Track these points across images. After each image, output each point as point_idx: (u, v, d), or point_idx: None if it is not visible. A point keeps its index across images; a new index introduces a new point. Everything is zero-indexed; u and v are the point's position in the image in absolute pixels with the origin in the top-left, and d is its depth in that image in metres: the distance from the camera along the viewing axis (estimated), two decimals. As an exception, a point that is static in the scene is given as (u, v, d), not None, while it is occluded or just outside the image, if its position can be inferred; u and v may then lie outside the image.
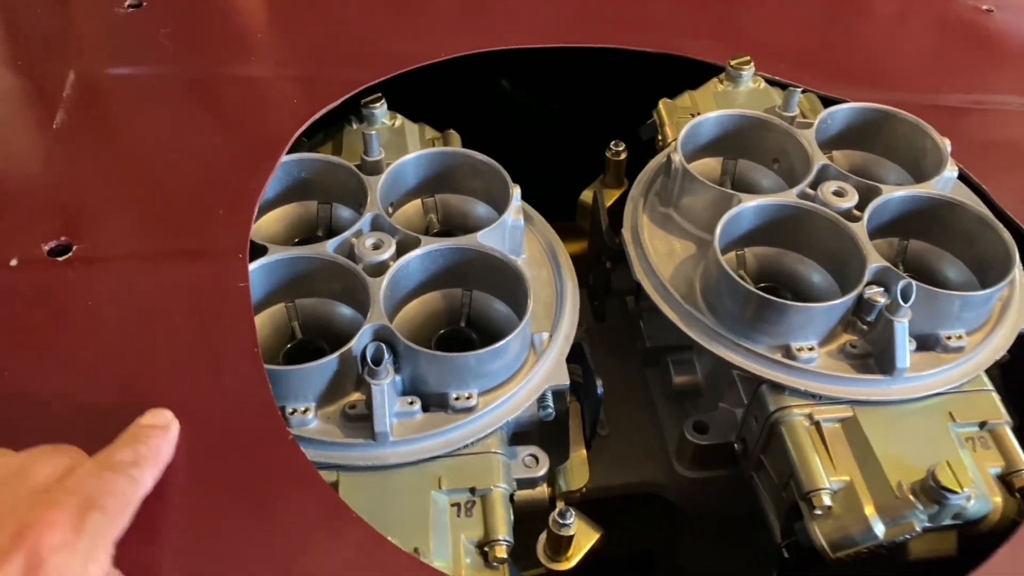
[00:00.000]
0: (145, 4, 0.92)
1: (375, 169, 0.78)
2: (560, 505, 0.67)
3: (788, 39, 1.01)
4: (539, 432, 0.75)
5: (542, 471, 0.70)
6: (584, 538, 0.70)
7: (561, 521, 0.66)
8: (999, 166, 0.85)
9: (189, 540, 0.54)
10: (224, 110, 0.83)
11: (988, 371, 0.72)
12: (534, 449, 0.71)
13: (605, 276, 0.86)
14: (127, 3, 0.92)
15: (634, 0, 1.05)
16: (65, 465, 0.49)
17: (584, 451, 0.78)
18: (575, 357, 0.76)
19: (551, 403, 0.71)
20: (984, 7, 1.13)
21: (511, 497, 0.67)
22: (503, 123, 1.04)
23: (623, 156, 0.92)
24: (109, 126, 0.79)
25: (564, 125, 1.11)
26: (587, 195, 0.96)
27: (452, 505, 0.63)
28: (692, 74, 0.96)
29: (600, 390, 0.74)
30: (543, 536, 0.69)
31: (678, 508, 0.83)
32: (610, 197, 0.92)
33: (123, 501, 0.49)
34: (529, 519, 0.69)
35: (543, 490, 0.71)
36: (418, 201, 0.82)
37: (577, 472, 0.76)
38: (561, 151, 1.07)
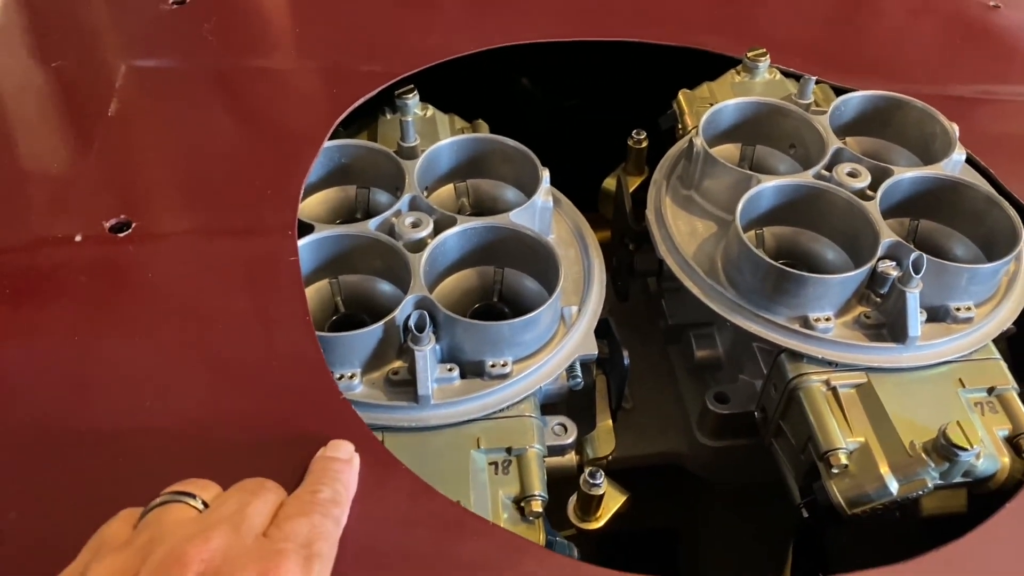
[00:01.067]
0: (188, 2, 0.97)
1: (411, 154, 0.82)
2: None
3: (802, 33, 1.06)
4: (568, 403, 0.79)
5: (571, 439, 0.74)
6: (612, 500, 0.74)
7: (592, 481, 0.70)
8: (1005, 152, 0.89)
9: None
10: (266, 100, 0.87)
11: (997, 343, 0.76)
12: (563, 419, 0.75)
13: (628, 258, 0.90)
14: (171, 1, 0.97)
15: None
16: (272, 503, 0.51)
17: (610, 421, 0.82)
18: (602, 332, 0.80)
19: (580, 373, 0.75)
20: (991, 3, 1.16)
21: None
22: (525, 116, 1.09)
23: (644, 144, 0.97)
24: (160, 114, 0.84)
25: (584, 118, 1.15)
26: (610, 182, 1.00)
27: (490, 464, 0.67)
28: (709, 67, 1.00)
29: (627, 361, 0.77)
30: (573, 498, 0.73)
31: (699, 478, 0.87)
32: (632, 184, 0.96)
33: (333, 544, 0.51)
34: (558, 485, 0.73)
35: (572, 457, 0.75)
36: (451, 186, 0.87)
37: (603, 440, 0.80)
38: (582, 144, 1.11)
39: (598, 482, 0.70)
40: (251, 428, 0.60)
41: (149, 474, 0.55)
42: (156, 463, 0.58)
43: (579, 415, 0.78)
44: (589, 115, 1.16)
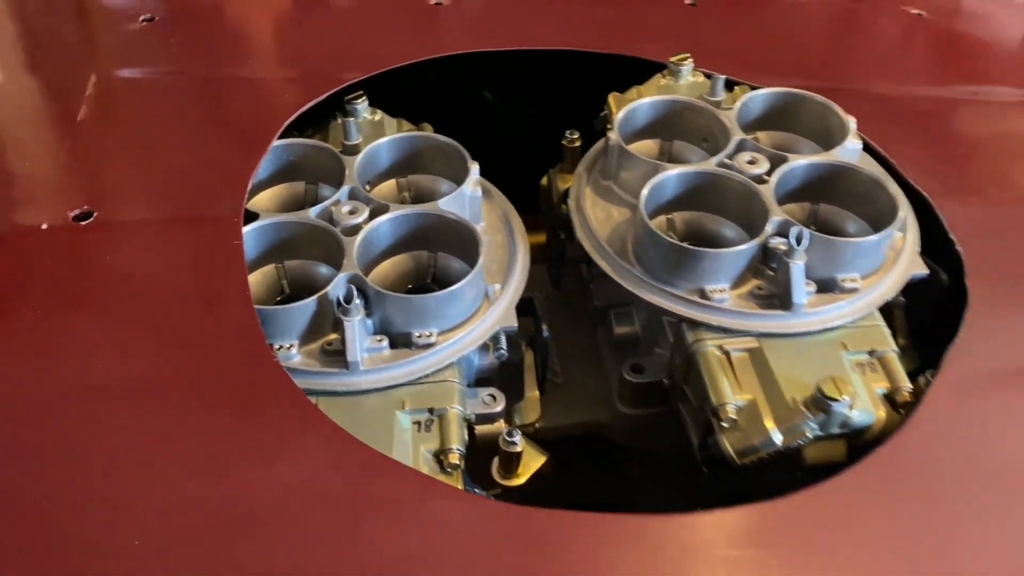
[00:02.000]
0: (157, 19, 1.06)
1: (353, 151, 0.90)
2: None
3: (727, 41, 1.13)
4: (500, 377, 0.86)
5: (499, 408, 0.81)
6: (532, 460, 0.80)
7: (509, 439, 0.77)
8: (905, 143, 0.96)
9: (196, 440, 0.65)
10: (223, 105, 0.96)
11: (891, 313, 0.83)
12: (492, 390, 0.82)
13: (560, 247, 0.98)
14: (141, 18, 1.06)
15: (589, 8, 1.17)
16: None
17: (537, 392, 0.89)
18: (528, 310, 0.87)
19: (504, 345, 0.83)
20: (915, 11, 1.25)
21: (470, 428, 0.78)
22: (474, 121, 1.16)
23: (578, 143, 1.04)
24: (124, 118, 0.92)
25: (529, 122, 1.23)
26: (545, 179, 1.07)
27: (414, 423, 0.74)
28: (640, 72, 1.08)
29: (546, 334, 0.85)
30: (496, 458, 0.80)
31: (622, 447, 0.94)
32: (566, 181, 1.04)
33: None
34: (489, 451, 0.80)
35: (500, 425, 0.82)
36: (392, 181, 0.94)
37: (530, 409, 0.88)
38: (528, 146, 1.18)
39: (515, 439, 0.76)
40: (194, 389, 0.68)
41: (103, 424, 0.62)
42: (111, 416, 0.65)
43: (509, 388, 0.85)
44: (535, 118, 1.23)
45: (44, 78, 0.96)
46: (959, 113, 1.03)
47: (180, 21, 1.05)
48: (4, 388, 0.66)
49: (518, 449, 0.77)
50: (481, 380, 0.85)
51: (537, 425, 0.88)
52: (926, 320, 0.86)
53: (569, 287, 1.02)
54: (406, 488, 0.64)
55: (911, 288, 0.85)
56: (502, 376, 0.86)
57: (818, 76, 1.04)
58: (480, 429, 0.80)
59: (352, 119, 0.93)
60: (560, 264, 0.99)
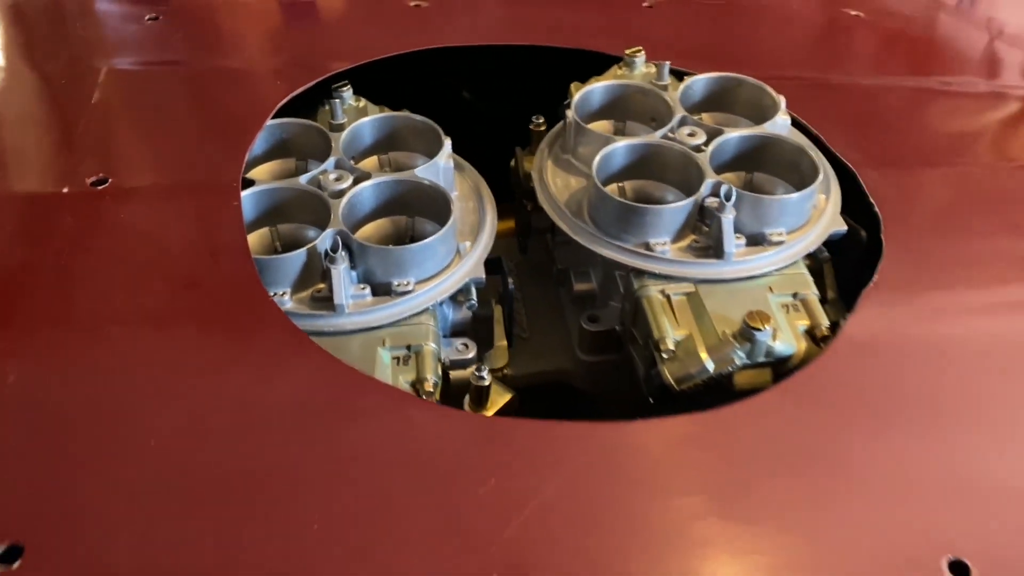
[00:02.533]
0: (162, 17, 1.17)
1: (339, 130, 1.01)
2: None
3: (678, 37, 1.25)
4: (472, 329, 0.96)
5: (471, 355, 0.91)
6: (499, 396, 0.90)
7: (478, 374, 0.87)
8: (834, 122, 1.08)
9: (200, 361, 0.75)
10: (223, 90, 1.07)
11: (824, 271, 0.94)
12: (465, 339, 0.92)
13: (527, 217, 1.09)
14: (147, 17, 1.17)
15: (555, 9, 1.29)
16: None
17: (505, 342, 0.99)
18: (496, 270, 0.98)
19: (474, 296, 0.93)
20: (853, 13, 1.37)
21: (445, 372, 0.88)
22: (449, 110, 1.27)
23: (543, 127, 1.15)
24: (134, 102, 1.03)
25: (500, 110, 1.34)
26: (514, 160, 1.18)
27: (393, 358, 0.84)
28: (600, 65, 1.19)
29: (511, 287, 0.95)
30: (467, 394, 0.90)
31: (582, 392, 1.04)
32: (532, 160, 1.15)
33: None
34: (462, 394, 0.90)
35: (472, 370, 0.93)
36: (375, 158, 1.05)
37: (499, 356, 0.98)
38: (498, 132, 1.29)
39: (483, 375, 0.86)
40: (199, 321, 0.78)
41: (120, 353, 0.73)
42: (127, 341, 0.75)
43: (480, 338, 0.96)
44: (502, 108, 1.34)
45: (62, 67, 1.07)
46: (882, 98, 1.15)
47: (183, 18, 1.16)
48: (33, 316, 0.77)
49: (486, 383, 0.87)
50: (455, 333, 0.95)
51: (505, 371, 0.98)
52: (851, 276, 0.98)
53: (535, 254, 1.13)
54: (386, 400, 0.74)
55: (837, 246, 0.96)
56: (475, 330, 0.97)
57: (757, 67, 1.15)
58: (454, 374, 0.90)
59: (338, 101, 1.04)
60: (527, 233, 1.10)
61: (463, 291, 0.92)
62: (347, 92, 1.10)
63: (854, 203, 0.98)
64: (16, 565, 0.61)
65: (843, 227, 0.94)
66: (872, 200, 0.97)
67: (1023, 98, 1.17)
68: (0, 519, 0.63)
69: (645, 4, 1.34)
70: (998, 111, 1.15)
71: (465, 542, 0.65)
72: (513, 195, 1.15)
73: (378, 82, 1.14)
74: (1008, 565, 0.66)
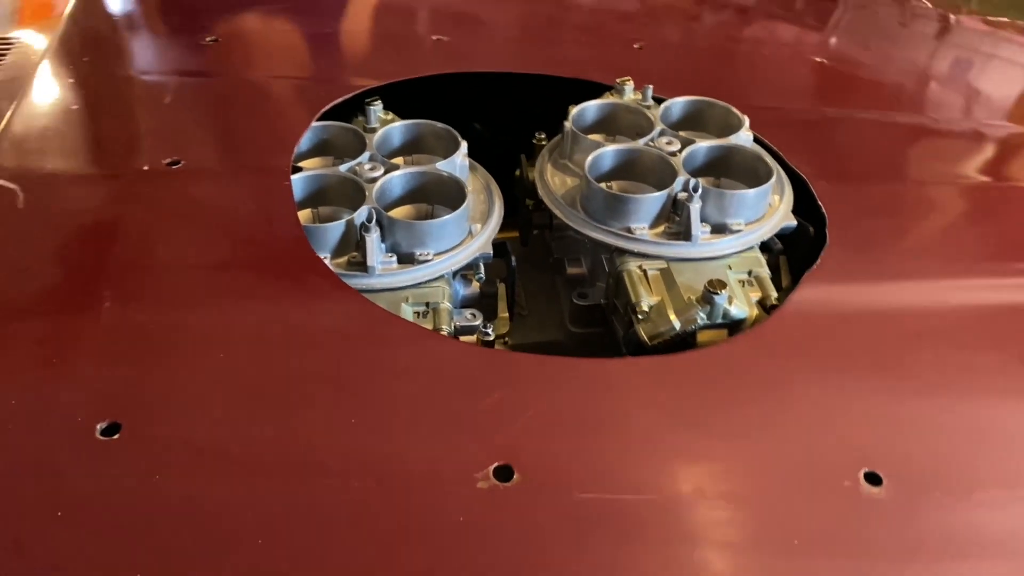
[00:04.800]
0: (220, 39, 1.37)
1: (372, 133, 1.20)
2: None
3: (661, 71, 1.45)
4: (479, 303, 1.13)
5: (478, 322, 1.08)
6: (501, 352, 1.08)
7: (483, 330, 1.04)
8: (792, 141, 1.27)
9: (257, 296, 0.92)
10: (275, 97, 1.26)
11: (779, 261, 1.12)
12: (473, 310, 1.10)
13: (528, 213, 1.27)
14: (208, 39, 1.37)
15: (560, 47, 1.49)
16: None
17: (507, 314, 1.16)
18: (502, 253, 1.16)
19: (483, 270, 1.11)
20: (818, 59, 1.58)
21: (455, 335, 1.05)
22: (466, 126, 1.47)
23: (545, 142, 1.34)
24: (200, 104, 1.22)
25: (510, 128, 1.53)
26: (518, 171, 1.37)
27: (414, 312, 1.02)
28: (595, 92, 1.39)
29: (514, 263, 1.13)
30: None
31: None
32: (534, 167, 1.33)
33: None
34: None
35: (478, 336, 1.10)
36: (401, 159, 1.24)
37: (501, 324, 1.15)
38: (506, 146, 1.48)
39: (488, 331, 1.03)
40: (257, 269, 0.96)
41: (192, 289, 0.90)
42: (197, 284, 0.93)
43: (485, 310, 1.13)
44: (510, 126, 1.54)
45: (139, 76, 1.27)
46: (835, 123, 1.35)
47: (239, 41, 1.37)
48: (123, 261, 0.94)
49: (491, 338, 1.04)
50: (465, 306, 1.12)
51: (507, 340, 1.15)
52: (802, 266, 1.15)
53: (535, 247, 1.31)
54: (410, 333, 0.91)
55: (790, 240, 1.14)
56: (481, 306, 1.14)
57: (728, 96, 1.35)
58: (464, 339, 1.07)
59: (372, 110, 1.23)
60: (528, 228, 1.28)
61: (472, 266, 1.10)
62: (377, 105, 1.29)
63: (806, 208, 1.17)
64: (115, 437, 0.77)
65: (793, 222, 1.12)
66: (820, 203, 1.15)
67: (946, 130, 1.37)
68: (105, 404, 0.79)
69: (636, 46, 1.55)
70: (930, 140, 1.35)
71: (472, 437, 0.81)
72: (517, 207, 1.34)
73: (404, 100, 1.33)
74: (912, 479, 0.82)
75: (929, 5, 1.97)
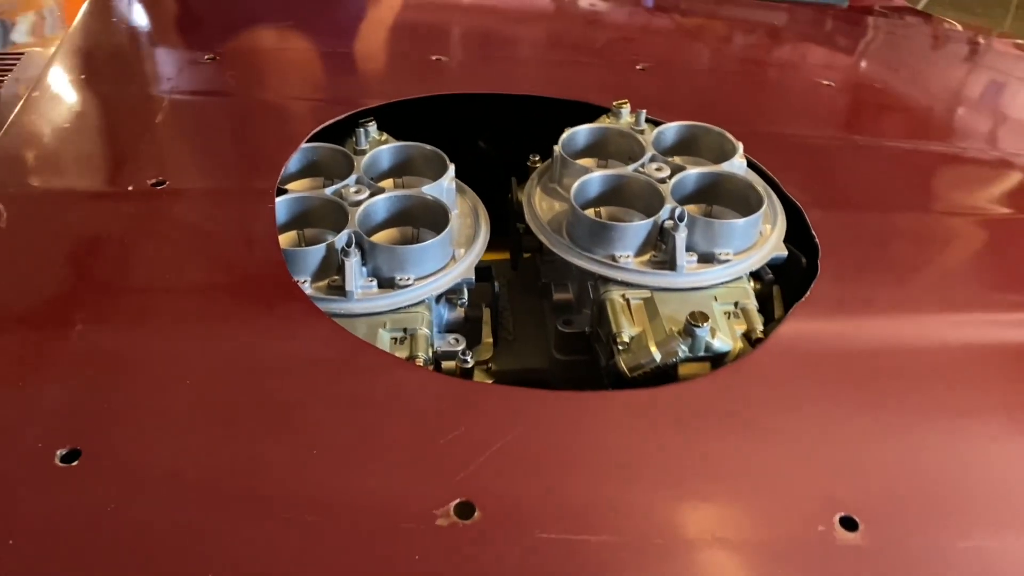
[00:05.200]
0: (218, 57, 1.37)
1: (362, 154, 1.19)
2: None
3: (660, 95, 1.44)
4: (462, 327, 1.12)
5: (460, 347, 1.07)
6: (480, 379, 1.06)
7: (463, 357, 1.02)
8: (788, 169, 1.24)
9: (233, 322, 0.92)
10: (265, 118, 1.26)
11: (772, 292, 1.09)
12: (456, 335, 1.08)
13: (518, 237, 1.26)
14: (206, 56, 1.38)
15: (559, 68, 1.48)
16: None
17: (491, 339, 1.15)
18: (486, 277, 1.14)
19: (466, 295, 1.09)
20: (826, 83, 1.55)
21: (437, 361, 1.04)
22: (459, 148, 1.46)
23: (539, 165, 1.33)
24: (190, 123, 1.22)
25: (505, 149, 1.52)
26: (511, 194, 1.36)
27: (392, 338, 1.00)
28: (592, 115, 1.37)
29: (497, 288, 1.11)
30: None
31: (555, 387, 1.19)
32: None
33: None
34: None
35: (457, 363, 1.08)
36: (390, 180, 1.23)
37: (484, 350, 1.14)
38: (501, 168, 1.47)
39: (467, 358, 1.02)
40: (234, 293, 0.95)
41: (166, 312, 0.89)
42: (171, 307, 0.92)
43: (469, 334, 1.11)
44: (505, 148, 1.53)
45: (133, 93, 1.27)
46: (837, 150, 1.32)
47: (236, 59, 1.37)
48: (101, 281, 0.94)
49: (470, 365, 1.03)
50: (450, 330, 1.11)
51: (490, 365, 1.14)
52: (794, 296, 1.13)
53: (526, 270, 1.29)
54: (382, 362, 0.90)
55: (783, 270, 1.11)
56: (466, 330, 1.13)
57: (726, 121, 1.33)
58: (445, 364, 1.06)
59: (363, 132, 1.22)
60: (518, 252, 1.27)
61: (456, 291, 1.09)
62: (372, 126, 1.29)
63: (801, 236, 1.14)
64: (75, 464, 0.77)
65: (784, 252, 1.09)
66: (814, 232, 1.12)
67: (949, 156, 1.34)
68: (67, 429, 0.79)
69: (638, 67, 1.53)
70: (931, 167, 1.32)
71: (435, 472, 0.79)
72: (506, 230, 1.32)
73: (399, 120, 1.33)
74: (890, 525, 0.79)
75: (959, 27, 1.94)
